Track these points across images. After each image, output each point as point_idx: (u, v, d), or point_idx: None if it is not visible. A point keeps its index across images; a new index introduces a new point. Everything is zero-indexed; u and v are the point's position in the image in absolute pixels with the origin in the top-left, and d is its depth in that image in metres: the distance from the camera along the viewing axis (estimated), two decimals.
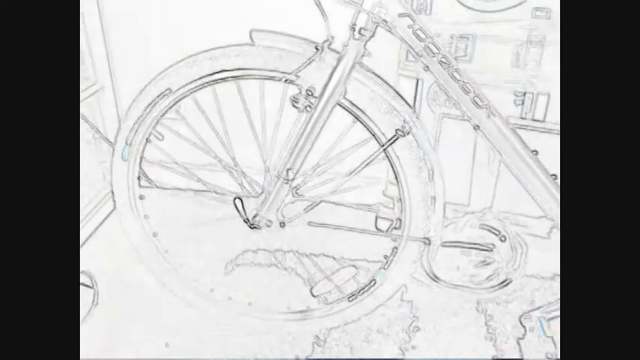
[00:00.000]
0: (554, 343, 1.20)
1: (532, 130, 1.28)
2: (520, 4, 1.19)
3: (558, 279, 1.37)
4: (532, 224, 1.36)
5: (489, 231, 1.32)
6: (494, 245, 1.31)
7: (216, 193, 1.24)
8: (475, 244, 1.31)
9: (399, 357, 1.32)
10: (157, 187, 1.30)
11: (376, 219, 1.41)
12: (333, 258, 1.41)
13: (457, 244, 1.31)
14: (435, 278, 1.33)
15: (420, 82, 1.31)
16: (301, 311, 1.34)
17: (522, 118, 1.29)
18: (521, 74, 1.24)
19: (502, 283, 1.32)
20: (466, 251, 1.33)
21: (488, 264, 1.32)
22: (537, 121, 1.28)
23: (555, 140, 1.26)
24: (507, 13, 1.21)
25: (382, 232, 1.27)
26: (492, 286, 1.33)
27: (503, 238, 1.30)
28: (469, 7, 1.22)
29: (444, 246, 1.32)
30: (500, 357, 1.31)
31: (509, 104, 1.27)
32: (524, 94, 1.27)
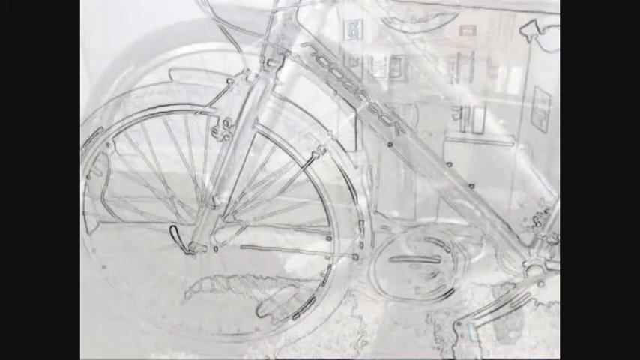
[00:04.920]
0: (481, 348, 1.23)
1: (474, 143, 1.32)
2: (446, 23, 1.25)
3: (507, 285, 1.39)
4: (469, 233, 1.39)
5: (435, 243, 1.35)
6: (440, 257, 1.35)
7: (155, 223, 1.30)
8: (422, 256, 1.35)
9: None
10: (109, 221, 1.36)
11: None
12: (279, 279, 1.45)
13: (404, 258, 1.35)
14: (382, 292, 1.36)
15: None
16: (249, 332, 1.38)
17: (462, 132, 1.33)
18: (456, 89, 1.29)
19: (447, 293, 1.35)
20: (415, 264, 1.37)
21: (435, 275, 1.36)
22: (477, 133, 1.32)
23: (498, 150, 1.30)
24: (435, 32, 1.26)
25: (312, 250, 1.31)
26: (438, 297, 1.36)
27: (448, 249, 1.33)
28: (399, 31, 1.27)
29: (392, 261, 1.36)
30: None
31: (449, 119, 1.32)
32: (461, 109, 1.31)
